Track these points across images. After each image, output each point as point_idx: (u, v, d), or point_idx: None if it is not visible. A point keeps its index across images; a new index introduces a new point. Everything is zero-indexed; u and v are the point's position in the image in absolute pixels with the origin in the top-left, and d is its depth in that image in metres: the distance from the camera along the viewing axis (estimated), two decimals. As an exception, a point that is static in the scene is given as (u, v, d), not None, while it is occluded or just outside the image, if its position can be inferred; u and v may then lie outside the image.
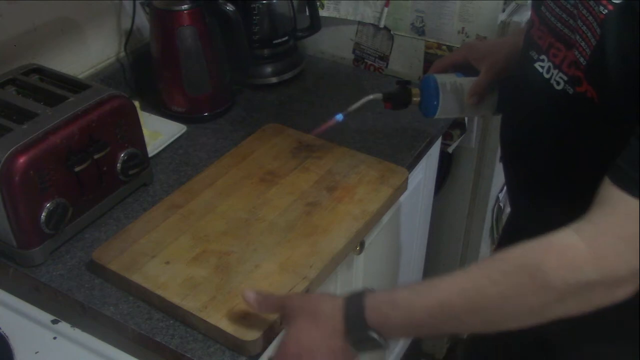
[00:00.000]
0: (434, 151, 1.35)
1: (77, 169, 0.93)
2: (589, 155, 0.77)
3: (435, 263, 1.66)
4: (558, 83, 0.76)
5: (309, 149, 1.12)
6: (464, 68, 1.02)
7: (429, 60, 1.39)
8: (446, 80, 1.00)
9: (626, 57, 0.66)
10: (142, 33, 1.36)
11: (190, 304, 0.84)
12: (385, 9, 1.39)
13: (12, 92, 1.01)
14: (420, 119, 1.26)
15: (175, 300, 0.85)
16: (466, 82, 1.00)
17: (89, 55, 1.28)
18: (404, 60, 1.42)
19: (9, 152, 0.86)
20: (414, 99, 1.01)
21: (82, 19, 1.24)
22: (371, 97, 1.00)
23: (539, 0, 0.82)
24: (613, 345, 0.88)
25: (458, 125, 1.37)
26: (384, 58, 1.45)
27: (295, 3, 1.38)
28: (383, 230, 1.21)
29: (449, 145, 1.40)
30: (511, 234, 1.09)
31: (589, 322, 0.86)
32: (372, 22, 1.42)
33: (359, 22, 1.44)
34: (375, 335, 0.70)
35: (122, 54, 1.34)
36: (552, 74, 0.77)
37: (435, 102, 0.99)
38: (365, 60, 1.47)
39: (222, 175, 1.07)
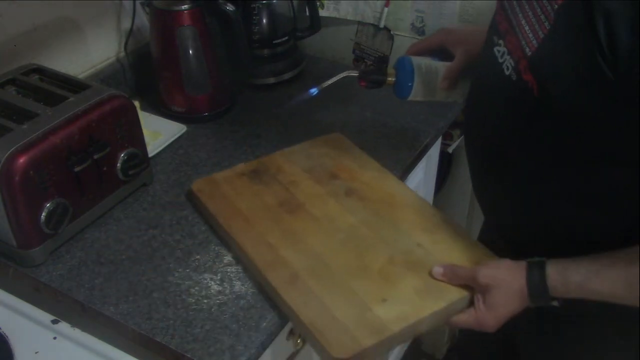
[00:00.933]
0: (434, 151, 1.35)
1: (77, 169, 0.93)
2: (536, 140, 0.78)
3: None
4: (507, 68, 0.78)
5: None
6: (441, 52, 1.02)
7: (429, 60, 1.39)
8: (422, 63, 0.99)
9: (574, 50, 0.67)
10: (142, 33, 1.36)
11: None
12: (385, 9, 1.39)
13: (12, 92, 1.01)
14: (420, 119, 1.26)
15: None
16: (441, 66, 0.99)
17: (89, 55, 1.28)
18: (404, 60, 1.42)
19: (9, 152, 0.86)
20: (389, 79, 1.01)
21: (82, 19, 1.24)
22: (346, 73, 1.00)
23: None
24: (574, 345, 0.92)
25: (458, 125, 1.37)
26: (384, 58, 1.45)
27: (295, 3, 1.38)
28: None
29: (449, 145, 1.40)
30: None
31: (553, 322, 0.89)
32: (372, 22, 1.42)
33: (359, 22, 1.45)
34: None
35: (122, 54, 1.34)
36: (505, 59, 0.79)
37: (409, 84, 0.99)
38: (365, 60, 1.47)
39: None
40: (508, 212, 0.90)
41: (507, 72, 0.78)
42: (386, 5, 1.39)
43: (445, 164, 1.48)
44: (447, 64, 0.99)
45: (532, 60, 0.72)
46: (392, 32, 1.41)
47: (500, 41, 0.81)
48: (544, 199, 0.82)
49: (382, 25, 1.41)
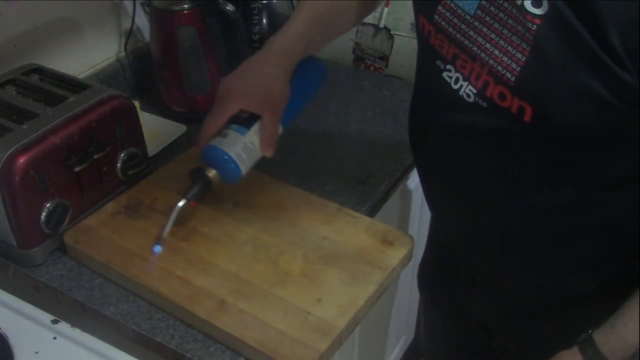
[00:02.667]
0: (434, 151, 1.35)
1: (77, 169, 0.92)
2: (505, 161, 0.77)
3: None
4: (469, 95, 0.75)
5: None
6: (238, 116, 0.89)
7: (429, 60, 1.39)
8: (237, 149, 0.87)
9: (570, 65, 0.65)
10: (142, 33, 1.36)
11: None
12: (385, 9, 1.39)
13: (12, 92, 1.01)
14: (420, 119, 1.26)
15: None
16: (255, 138, 0.88)
17: (89, 55, 1.28)
18: (404, 60, 1.42)
19: (9, 152, 0.86)
20: (211, 175, 0.89)
21: (82, 19, 1.24)
22: (179, 206, 0.89)
23: (427, 8, 0.78)
24: (544, 327, 0.91)
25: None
26: (384, 58, 1.45)
27: (295, 3, 1.38)
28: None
29: (449, 145, 1.40)
30: (432, 237, 1.11)
31: (524, 309, 0.90)
32: (372, 22, 1.42)
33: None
34: None
35: (122, 54, 1.34)
36: (462, 85, 0.75)
37: (233, 166, 0.88)
38: (365, 60, 1.47)
39: None
40: (475, 227, 0.89)
41: (469, 100, 0.74)
42: (386, 5, 1.39)
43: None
44: (257, 129, 0.88)
45: (519, 85, 0.68)
46: (392, 32, 1.41)
47: (449, 66, 0.77)
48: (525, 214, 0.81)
49: (382, 25, 1.41)
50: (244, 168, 0.89)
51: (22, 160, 0.86)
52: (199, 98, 1.25)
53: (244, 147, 0.88)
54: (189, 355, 0.82)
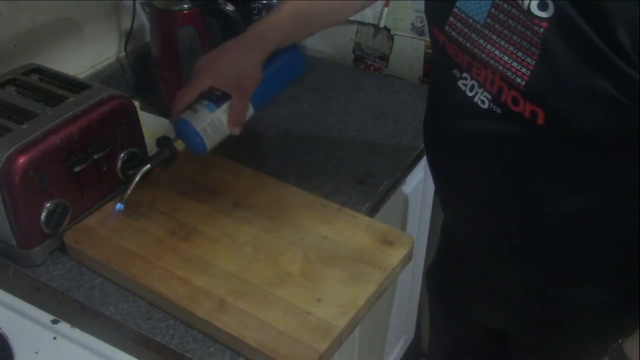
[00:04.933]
0: (434, 151, 1.35)
1: (77, 169, 0.92)
2: (521, 168, 0.77)
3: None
4: (483, 102, 0.75)
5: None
6: (211, 93, 0.92)
7: (429, 61, 1.39)
8: (204, 124, 0.90)
9: (580, 67, 0.65)
10: (142, 33, 1.36)
11: None
12: (385, 9, 1.39)
13: (12, 92, 1.01)
14: (420, 119, 1.26)
15: None
16: (223, 116, 0.91)
17: (89, 55, 1.28)
18: (404, 60, 1.42)
19: (9, 152, 0.86)
20: (181, 150, 0.93)
21: (82, 19, 1.24)
22: (143, 170, 0.92)
23: (439, 19, 0.79)
24: (560, 336, 0.91)
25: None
26: (384, 58, 1.45)
27: (295, 3, 1.38)
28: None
29: (449, 145, 1.40)
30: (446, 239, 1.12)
31: (539, 318, 0.90)
32: (372, 22, 1.42)
33: (359, 22, 1.45)
34: None
35: (122, 54, 1.34)
36: (477, 92, 0.76)
37: (198, 140, 0.91)
38: (365, 60, 1.47)
39: None
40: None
41: (484, 106, 0.75)
42: (386, 5, 1.39)
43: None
44: (226, 107, 0.91)
45: (530, 89, 0.69)
46: (392, 32, 1.41)
47: (465, 74, 0.77)
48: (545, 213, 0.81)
49: (382, 25, 1.41)
50: (209, 143, 0.92)
51: (22, 160, 0.86)
52: (199, 98, 1.25)
53: (211, 123, 0.91)
54: (189, 355, 0.82)
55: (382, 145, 1.19)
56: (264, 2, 1.31)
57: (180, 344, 0.83)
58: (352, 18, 1.43)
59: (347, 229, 0.95)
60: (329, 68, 1.47)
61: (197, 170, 1.06)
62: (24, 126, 0.90)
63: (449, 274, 1.09)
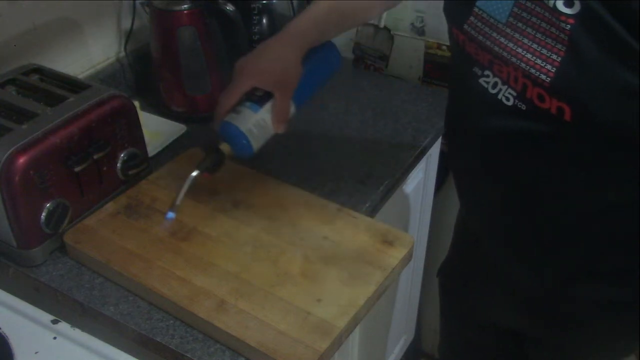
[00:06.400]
0: (434, 151, 1.35)
1: (77, 169, 0.92)
2: (547, 164, 0.77)
3: (434, 262, 1.66)
4: (507, 99, 0.75)
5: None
6: (252, 94, 0.92)
7: (428, 61, 1.39)
8: (249, 125, 0.91)
9: (607, 63, 0.65)
10: (142, 33, 1.36)
11: None
12: (385, 9, 1.39)
13: (12, 92, 1.01)
14: (420, 119, 1.26)
15: None
16: (267, 115, 0.92)
17: (89, 55, 1.28)
18: (404, 60, 1.42)
19: (9, 152, 0.86)
20: (226, 152, 0.93)
21: (82, 19, 1.24)
22: (192, 176, 0.92)
23: (459, 18, 0.80)
24: (576, 335, 0.91)
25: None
26: (384, 58, 1.45)
27: (295, 3, 1.38)
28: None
29: (449, 145, 1.40)
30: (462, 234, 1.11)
31: (555, 317, 0.90)
32: (372, 22, 1.42)
33: (359, 22, 1.44)
34: None
35: (122, 54, 1.34)
36: (500, 89, 0.76)
37: (244, 141, 0.91)
38: (365, 60, 1.47)
39: None
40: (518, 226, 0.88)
41: (508, 103, 0.75)
42: (386, 5, 1.39)
43: (446, 163, 1.48)
44: (269, 107, 0.91)
45: (556, 85, 0.69)
46: (392, 32, 1.41)
47: (487, 72, 0.77)
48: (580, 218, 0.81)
49: (382, 25, 1.41)
50: (255, 143, 0.92)
51: (22, 160, 0.86)
52: (199, 98, 1.25)
53: (256, 124, 0.91)
54: (189, 355, 0.82)
55: (382, 145, 1.19)
56: (264, 2, 1.31)
57: (180, 344, 0.83)
58: (352, 18, 1.43)
59: (347, 229, 0.95)
60: (329, 68, 1.47)
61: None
62: (24, 126, 0.90)
63: (463, 273, 1.09)
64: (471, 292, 1.06)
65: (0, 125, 0.91)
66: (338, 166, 1.14)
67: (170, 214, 0.95)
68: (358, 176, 1.11)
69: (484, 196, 0.89)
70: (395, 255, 0.91)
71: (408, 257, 0.94)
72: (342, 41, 1.48)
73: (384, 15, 1.39)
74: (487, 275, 0.98)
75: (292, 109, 0.94)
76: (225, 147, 0.92)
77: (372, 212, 1.06)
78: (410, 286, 1.50)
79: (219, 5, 1.20)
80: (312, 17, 0.94)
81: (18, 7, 1.12)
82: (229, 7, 1.20)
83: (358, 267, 0.89)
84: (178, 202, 0.93)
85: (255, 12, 1.32)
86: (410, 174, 1.21)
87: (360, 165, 1.14)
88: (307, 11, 0.95)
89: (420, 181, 1.34)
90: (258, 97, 0.92)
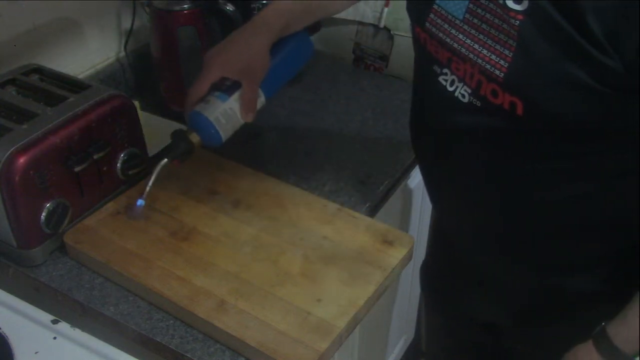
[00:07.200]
0: (434, 151, 1.35)
1: (77, 169, 0.92)
2: (505, 160, 0.78)
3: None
4: (463, 96, 0.77)
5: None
6: (222, 84, 0.93)
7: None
8: (217, 114, 0.91)
9: (555, 57, 0.66)
10: (142, 33, 1.36)
11: None
12: (385, 9, 1.39)
13: (12, 92, 1.01)
14: (420, 119, 1.26)
15: None
16: (235, 104, 0.92)
17: (89, 55, 1.28)
18: (404, 60, 1.42)
19: (9, 152, 0.86)
20: (194, 141, 0.92)
21: (82, 19, 1.24)
22: (162, 164, 0.92)
23: (420, 16, 0.81)
24: (552, 327, 0.92)
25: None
26: (384, 58, 1.45)
27: (295, 3, 1.38)
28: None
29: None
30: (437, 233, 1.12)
31: (531, 309, 0.91)
32: (372, 22, 1.42)
33: (359, 22, 1.44)
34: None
35: (122, 54, 1.34)
36: (457, 87, 0.78)
37: (212, 130, 0.92)
38: (365, 60, 1.47)
39: None
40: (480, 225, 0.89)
41: (464, 100, 0.77)
42: (386, 5, 1.39)
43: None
44: (237, 96, 0.92)
45: (508, 81, 0.70)
46: (392, 32, 1.41)
47: (445, 70, 0.79)
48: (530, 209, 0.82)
49: (382, 25, 1.41)
50: (224, 132, 0.93)
51: (22, 160, 0.86)
52: (199, 98, 1.25)
53: (224, 113, 0.92)
54: (189, 355, 0.82)
55: (382, 145, 1.19)
56: (264, 2, 1.31)
57: (180, 344, 0.83)
58: (352, 18, 1.43)
59: (347, 229, 0.95)
60: (329, 68, 1.47)
61: (197, 170, 1.06)
62: (24, 126, 0.90)
63: (441, 270, 1.10)
64: (449, 288, 1.07)
65: (0, 125, 0.91)
66: (338, 166, 1.14)
67: (140, 201, 0.95)
68: (358, 176, 1.11)
69: (452, 194, 0.90)
70: (395, 255, 0.91)
71: (408, 257, 0.94)
72: (342, 41, 1.48)
73: (384, 15, 1.40)
74: (462, 271, 0.99)
75: (262, 99, 0.95)
76: (194, 137, 0.92)
77: (372, 212, 1.06)
78: (410, 286, 1.50)
79: (219, 5, 1.20)
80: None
81: (18, 7, 1.12)
82: (229, 7, 1.20)
83: (358, 267, 0.89)
84: (147, 189, 0.93)
85: (255, 12, 1.31)
86: (410, 174, 1.22)
87: (360, 165, 1.14)
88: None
89: (420, 181, 1.34)
90: (227, 87, 0.92)
